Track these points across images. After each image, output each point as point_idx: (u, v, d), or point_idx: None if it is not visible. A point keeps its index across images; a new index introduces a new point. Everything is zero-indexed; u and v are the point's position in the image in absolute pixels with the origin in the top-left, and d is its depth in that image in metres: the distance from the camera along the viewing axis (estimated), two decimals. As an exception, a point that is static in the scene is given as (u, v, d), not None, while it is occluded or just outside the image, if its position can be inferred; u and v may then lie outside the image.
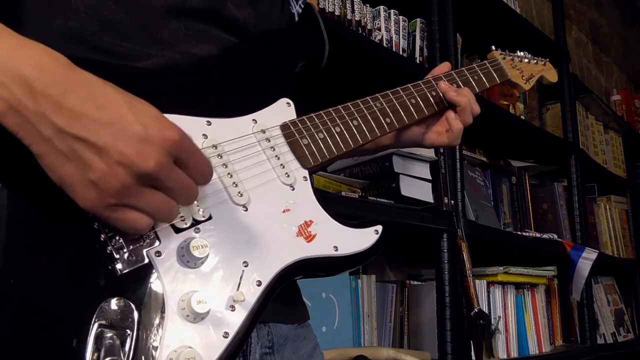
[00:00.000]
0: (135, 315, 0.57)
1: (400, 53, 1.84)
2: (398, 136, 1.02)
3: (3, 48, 0.52)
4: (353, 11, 1.70)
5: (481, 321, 1.67)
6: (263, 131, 0.75)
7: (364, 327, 1.70)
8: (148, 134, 0.53)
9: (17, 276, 0.53)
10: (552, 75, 1.26)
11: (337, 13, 1.64)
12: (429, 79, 0.99)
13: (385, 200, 1.62)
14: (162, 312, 0.59)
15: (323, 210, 0.75)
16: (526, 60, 1.20)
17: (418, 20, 1.91)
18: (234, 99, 0.75)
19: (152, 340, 0.57)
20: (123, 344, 0.55)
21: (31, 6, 0.67)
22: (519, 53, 1.20)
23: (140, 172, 0.53)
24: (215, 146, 0.69)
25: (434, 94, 0.98)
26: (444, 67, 1.06)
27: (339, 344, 1.58)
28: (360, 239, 0.76)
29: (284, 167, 0.75)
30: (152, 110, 0.56)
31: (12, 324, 0.52)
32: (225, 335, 0.61)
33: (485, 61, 1.12)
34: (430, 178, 1.74)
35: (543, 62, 1.24)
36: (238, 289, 0.64)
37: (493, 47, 1.18)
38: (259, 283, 0.66)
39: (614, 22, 4.60)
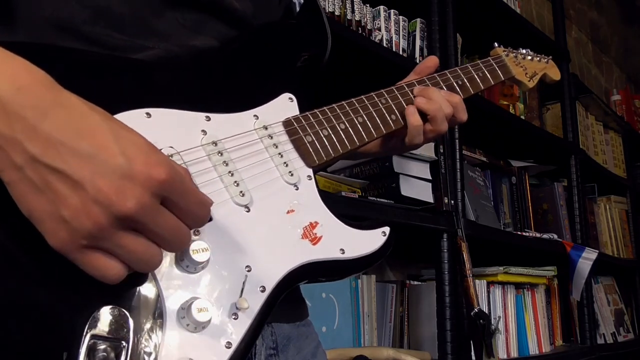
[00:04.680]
0: (131, 324, 0.52)
1: (400, 53, 1.84)
2: (384, 142, 0.97)
3: None
4: (353, 11, 1.70)
5: (481, 321, 1.67)
6: (265, 127, 0.71)
7: (364, 327, 1.70)
8: (131, 170, 0.47)
9: (1, 284, 0.49)
10: (554, 73, 1.23)
11: (337, 13, 1.64)
12: (434, 75, 0.97)
13: (385, 200, 1.62)
14: (160, 321, 0.55)
15: (328, 211, 0.71)
16: (529, 57, 1.16)
17: (418, 20, 1.91)
18: (234, 94, 0.71)
19: (149, 351, 0.53)
20: (118, 357, 0.51)
21: None
22: (521, 50, 1.16)
23: (118, 213, 0.46)
24: (215, 143, 0.65)
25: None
26: (430, 61, 1.01)
27: (339, 344, 1.58)
28: (368, 241, 0.72)
29: (287, 165, 0.71)
30: (140, 141, 0.49)
31: None
32: (228, 345, 0.57)
33: (488, 57, 1.09)
34: (430, 178, 1.74)
35: (546, 60, 1.21)
36: (241, 296, 0.60)
37: (496, 44, 1.14)
38: (263, 289, 0.62)
39: (614, 22, 4.60)
